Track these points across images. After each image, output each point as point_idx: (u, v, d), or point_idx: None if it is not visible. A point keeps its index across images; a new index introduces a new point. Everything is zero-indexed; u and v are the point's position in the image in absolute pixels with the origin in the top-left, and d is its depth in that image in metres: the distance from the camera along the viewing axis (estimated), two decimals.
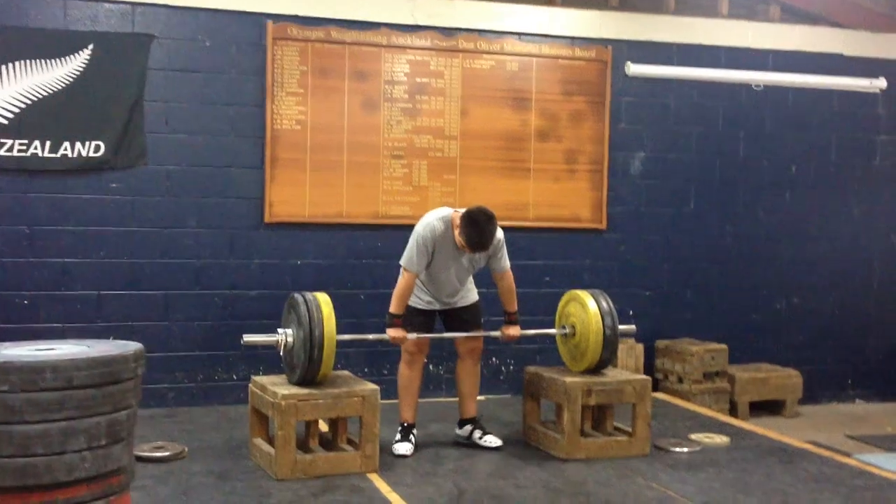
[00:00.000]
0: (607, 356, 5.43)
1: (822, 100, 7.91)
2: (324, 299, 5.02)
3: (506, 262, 5.43)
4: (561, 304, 5.75)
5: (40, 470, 2.88)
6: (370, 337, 5.65)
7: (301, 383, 4.96)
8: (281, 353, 5.15)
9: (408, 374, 5.46)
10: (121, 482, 3.12)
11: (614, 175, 7.47)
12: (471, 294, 5.56)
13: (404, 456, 5.22)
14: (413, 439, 5.38)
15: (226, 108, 6.67)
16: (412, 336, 5.29)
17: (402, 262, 5.24)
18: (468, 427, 5.59)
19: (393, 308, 5.24)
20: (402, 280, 5.24)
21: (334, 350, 4.92)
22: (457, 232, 5.13)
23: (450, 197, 6.99)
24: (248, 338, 5.16)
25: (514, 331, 5.48)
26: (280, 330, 5.11)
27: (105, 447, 3.00)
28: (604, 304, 5.44)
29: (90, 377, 2.94)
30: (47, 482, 2.90)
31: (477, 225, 5.04)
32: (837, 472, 5.12)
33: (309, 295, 5.04)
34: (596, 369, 5.48)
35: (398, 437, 5.36)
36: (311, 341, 4.84)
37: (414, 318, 5.38)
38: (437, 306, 5.46)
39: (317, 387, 4.97)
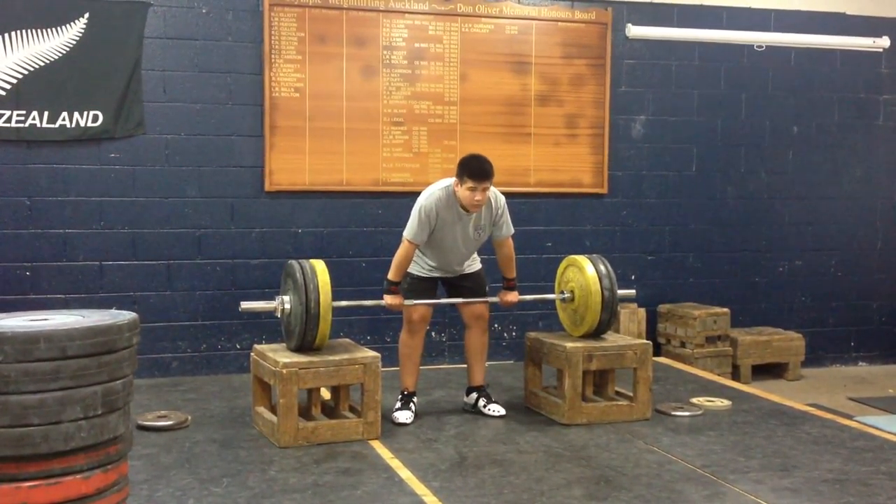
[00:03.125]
0: (606, 320, 5.42)
1: (824, 60, 7.84)
2: (320, 266, 5.02)
3: (509, 228, 5.41)
4: (560, 269, 5.74)
5: (37, 439, 2.89)
6: (367, 303, 5.65)
7: (299, 350, 4.98)
8: (280, 319, 5.17)
9: (409, 343, 5.46)
10: (118, 451, 3.13)
11: (615, 139, 7.43)
12: (475, 263, 5.55)
13: (404, 424, 5.23)
14: (413, 407, 5.39)
15: (223, 75, 6.64)
16: (409, 302, 5.29)
17: (405, 232, 5.23)
18: (474, 395, 5.60)
19: (391, 275, 5.24)
20: (402, 249, 5.23)
21: (330, 316, 4.93)
22: (457, 188, 5.11)
23: (450, 163, 6.93)
24: (246, 304, 5.19)
25: (513, 297, 5.48)
26: (278, 297, 5.12)
27: (101, 416, 3.01)
28: (602, 268, 5.43)
29: (84, 347, 2.94)
30: (44, 451, 2.91)
31: (475, 157, 5.17)
32: (838, 434, 5.13)
33: (305, 262, 5.05)
34: (596, 333, 5.49)
35: (398, 405, 5.37)
36: (308, 308, 4.86)
37: (416, 286, 5.39)
38: (438, 274, 5.44)
39: (318, 354, 4.98)
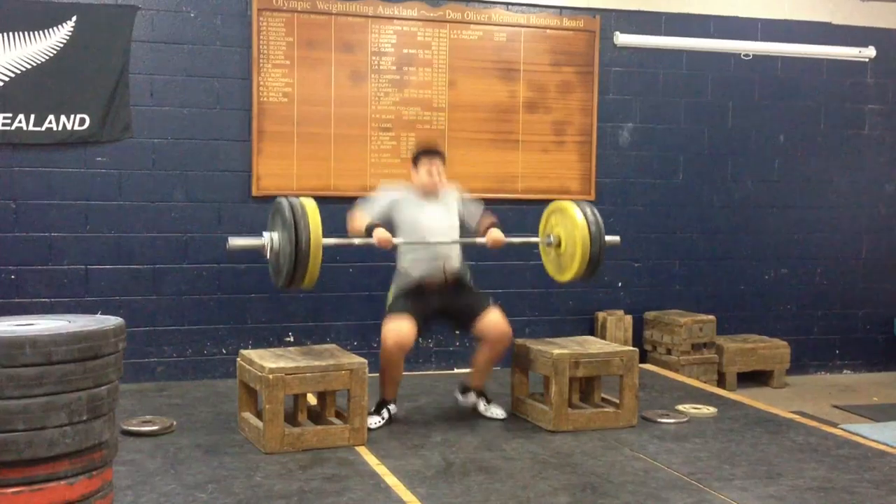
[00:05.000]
0: (595, 263, 5.35)
1: (810, 69, 7.89)
2: (310, 204, 4.89)
3: (479, 206, 5.51)
4: (545, 214, 5.69)
5: (21, 445, 2.88)
6: (357, 241, 5.51)
7: (288, 286, 4.89)
8: (267, 257, 5.06)
9: (387, 367, 5.33)
10: (103, 457, 3.12)
11: (603, 146, 7.45)
12: (461, 265, 5.48)
13: (370, 429, 5.11)
14: (386, 414, 5.33)
15: (211, 80, 6.63)
16: (398, 241, 5.23)
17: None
18: (472, 395, 5.58)
19: (365, 224, 5.21)
20: (349, 219, 5.35)
21: (321, 254, 4.82)
22: (416, 177, 5.36)
23: None
24: (234, 241, 5.10)
25: (498, 234, 5.37)
26: (266, 233, 5.02)
27: (86, 422, 3.00)
28: (589, 212, 5.36)
29: (70, 352, 2.93)
30: (28, 457, 2.90)
31: (419, 142, 5.49)
32: (823, 442, 5.15)
33: (294, 199, 4.92)
34: (584, 277, 5.45)
35: (372, 408, 5.31)
36: (297, 245, 4.75)
37: (408, 295, 5.32)
38: (423, 279, 5.38)
39: (304, 360, 4.96)
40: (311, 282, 4.93)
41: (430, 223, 5.33)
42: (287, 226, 4.81)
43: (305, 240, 4.76)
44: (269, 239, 4.97)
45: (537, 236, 5.66)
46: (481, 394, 5.60)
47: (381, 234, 5.14)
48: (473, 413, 5.55)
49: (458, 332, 5.56)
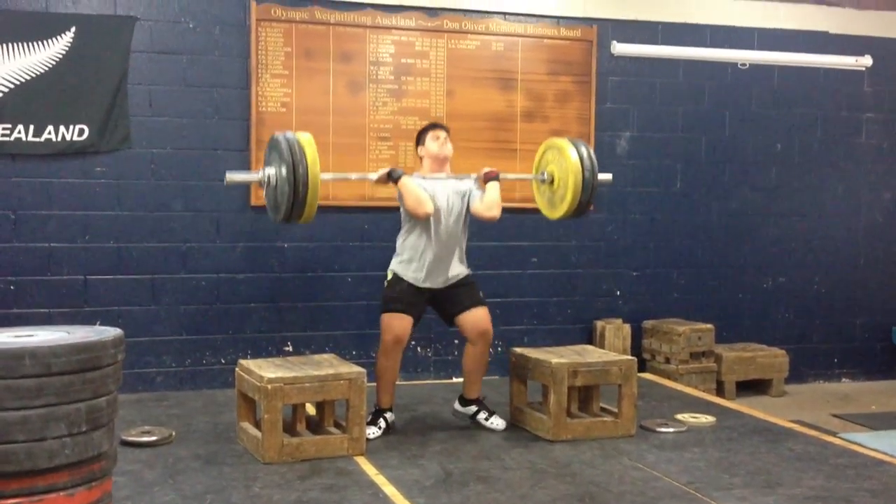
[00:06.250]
0: (585, 202, 5.41)
1: (807, 78, 7.91)
2: (306, 138, 4.87)
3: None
4: (539, 151, 5.73)
5: (21, 456, 2.88)
6: (353, 176, 5.50)
7: (286, 220, 4.88)
8: (264, 193, 5.05)
9: (384, 364, 5.36)
10: (102, 468, 3.12)
11: (600, 155, 7.30)
12: (462, 265, 5.48)
13: (367, 439, 5.10)
14: (384, 424, 5.33)
15: (210, 90, 6.64)
16: (399, 171, 5.30)
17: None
18: (472, 407, 5.57)
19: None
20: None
21: (319, 187, 4.82)
22: (424, 153, 5.48)
23: None
24: (231, 175, 5.10)
25: (492, 174, 5.45)
26: (261, 169, 4.99)
27: (86, 433, 3.00)
28: (583, 150, 5.41)
29: (69, 363, 2.93)
30: (28, 468, 2.90)
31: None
32: (822, 451, 5.15)
33: (290, 134, 4.89)
34: (575, 214, 5.49)
35: (368, 418, 5.31)
36: (295, 177, 4.72)
37: (406, 296, 5.32)
38: (428, 283, 5.35)
39: (303, 370, 4.97)
40: (308, 216, 4.89)
41: (443, 204, 5.34)
42: (285, 160, 4.77)
43: (303, 173, 4.73)
44: (266, 175, 4.94)
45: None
46: (481, 404, 5.58)
47: (403, 177, 5.27)
48: (473, 424, 5.54)
49: (444, 321, 5.54)
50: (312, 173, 4.76)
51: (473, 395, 5.59)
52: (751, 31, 7.75)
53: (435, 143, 5.43)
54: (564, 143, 5.48)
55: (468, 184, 5.47)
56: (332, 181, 5.44)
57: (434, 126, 5.56)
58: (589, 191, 5.38)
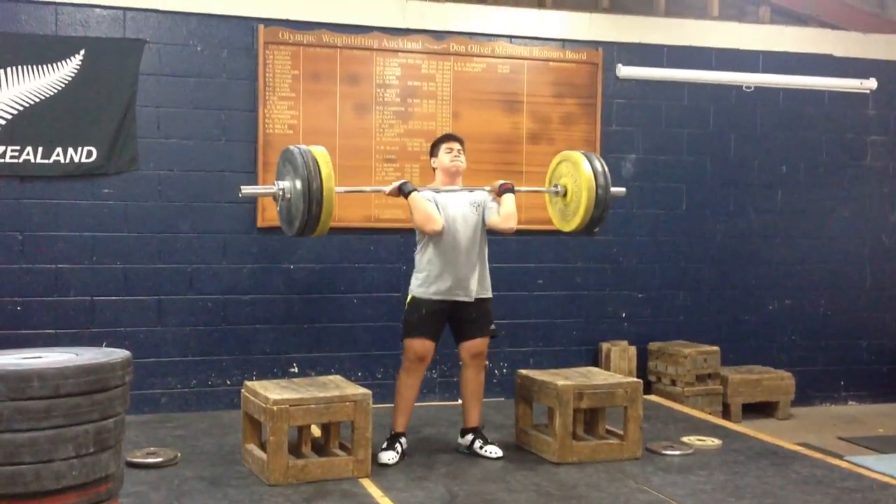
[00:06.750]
0: (599, 215, 5.41)
1: (812, 100, 7.93)
2: (319, 151, 4.87)
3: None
4: (552, 164, 5.74)
5: (28, 478, 2.89)
6: (367, 189, 5.53)
7: (300, 234, 4.91)
8: (278, 206, 5.07)
9: (405, 381, 5.37)
10: (109, 489, 3.13)
11: None
12: (485, 282, 5.45)
13: (386, 464, 5.15)
14: (399, 449, 5.30)
15: (217, 112, 6.68)
16: (414, 188, 5.30)
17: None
18: (469, 437, 5.51)
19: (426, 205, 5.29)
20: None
21: (334, 199, 4.82)
22: (437, 165, 5.47)
23: None
24: (246, 189, 5.18)
25: (507, 186, 5.46)
26: (276, 183, 5.00)
27: (93, 455, 3.01)
28: (597, 164, 5.42)
29: (77, 385, 2.95)
30: (35, 490, 2.91)
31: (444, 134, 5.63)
32: (828, 475, 5.14)
33: (304, 147, 4.90)
34: (588, 228, 5.49)
35: (385, 444, 5.31)
36: (310, 191, 4.74)
37: (427, 318, 5.29)
38: (450, 297, 5.30)
39: (308, 391, 4.97)
40: (322, 231, 4.92)
41: (463, 225, 5.33)
42: (300, 174, 4.79)
43: (318, 188, 4.75)
44: (281, 188, 4.95)
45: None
46: (477, 432, 5.51)
47: (413, 192, 5.28)
48: (469, 453, 5.46)
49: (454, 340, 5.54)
50: (327, 188, 4.77)
51: (471, 424, 5.52)
52: (755, 53, 7.79)
53: (448, 156, 5.43)
54: (578, 156, 5.51)
55: (482, 195, 5.47)
56: (344, 193, 5.44)
57: (448, 137, 5.54)
58: (602, 206, 5.40)
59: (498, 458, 5.36)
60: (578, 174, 5.43)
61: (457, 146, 5.46)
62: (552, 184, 5.71)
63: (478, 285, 5.37)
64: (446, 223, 5.27)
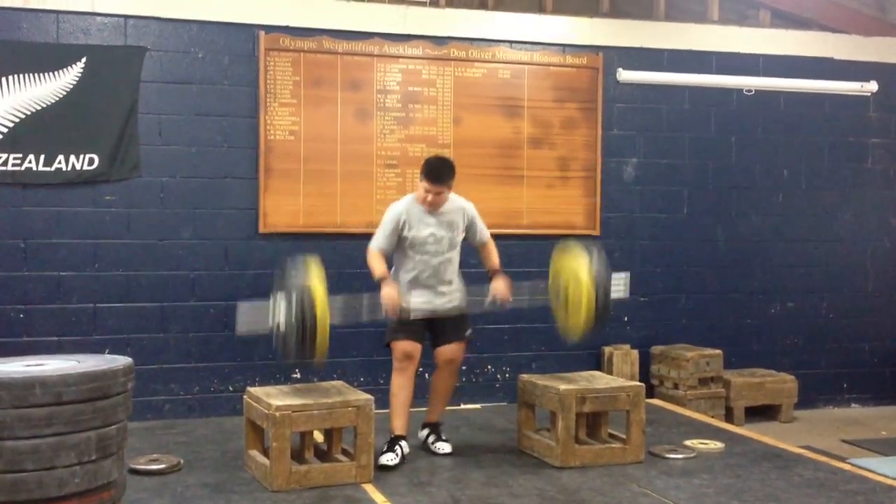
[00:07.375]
0: (599, 325, 5.38)
1: (813, 104, 7.94)
2: (317, 290, 4.90)
3: (485, 234, 5.57)
4: (553, 268, 5.55)
5: (31, 485, 2.90)
6: (364, 318, 5.55)
7: (296, 367, 4.97)
8: (273, 339, 5.07)
9: (397, 382, 5.41)
10: (111, 496, 3.14)
11: (607, 181, 7.49)
12: (458, 294, 5.51)
13: (387, 466, 5.16)
14: (400, 451, 5.31)
15: (219, 119, 6.69)
16: (406, 305, 5.28)
17: (370, 243, 5.41)
18: (426, 431, 5.61)
19: (378, 274, 5.28)
20: (369, 257, 5.39)
21: (327, 341, 4.87)
22: (419, 185, 5.36)
23: None
24: (241, 328, 5.39)
25: (502, 285, 5.45)
26: (272, 313, 5.01)
27: (95, 462, 3.02)
28: (600, 270, 5.29)
29: (79, 392, 2.95)
30: (38, 497, 2.92)
31: (437, 158, 5.48)
32: (832, 477, 5.13)
33: (301, 279, 4.94)
34: (594, 328, 5.42)
35: (385, 447, 5.31)
36: (304, 333, 4.80)
37: (405, 322, 5.36)
38: (419, 306, 5.39)
39: (311, 397, 4.97)
40: (321, 359, 4.99)
41: (434, 242, 5.38)
42: (295, 316, 4.83)
43: (311, 335, 4.82)
44: (276, 324, 4.97)
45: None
46: (435, 429, 5.61)
47: (388, 289, 5.21)
48: (423, 448, 5.53)
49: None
50: (322, 329, 4.83)
51: (432, 419, 5.63)
52: (756, 57, 7.79)
53: (422, 196, 5.34)
54: (581, 267, 5.29)
55: (461, 215, 5.47)
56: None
57: (434, 178, 5.28)
58: (602, 317, 5.32)
59: (446, 455, 5.46)
60: (577, 284, 5.26)
61: (436, 189, 5.29)
62: (554, 292, 5.52)
63: (451, 298, 5.46)
64: (414, 245, 5.36)
